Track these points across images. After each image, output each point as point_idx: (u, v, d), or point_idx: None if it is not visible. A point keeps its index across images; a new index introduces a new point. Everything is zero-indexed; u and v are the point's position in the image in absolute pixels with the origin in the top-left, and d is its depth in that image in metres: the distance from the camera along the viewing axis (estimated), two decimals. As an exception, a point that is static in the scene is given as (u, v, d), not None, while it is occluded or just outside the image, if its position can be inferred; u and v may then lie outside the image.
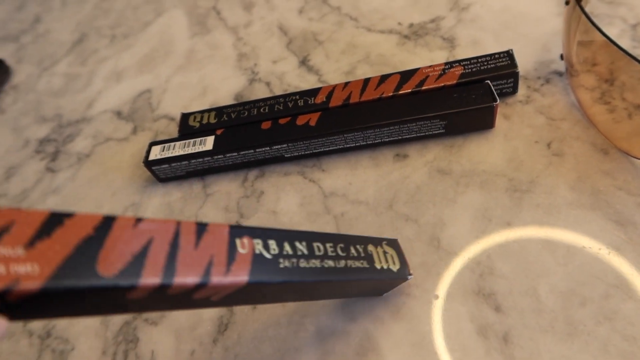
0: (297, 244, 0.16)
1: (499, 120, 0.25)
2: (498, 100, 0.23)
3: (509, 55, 0.25)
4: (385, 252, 0.19)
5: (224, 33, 0.36)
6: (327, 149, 0.26)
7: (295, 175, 0.26)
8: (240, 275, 0.14)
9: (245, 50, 0.34)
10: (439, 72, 0.25)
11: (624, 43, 0.27)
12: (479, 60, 0.25)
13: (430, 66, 0.26)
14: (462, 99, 0.24)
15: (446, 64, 0.26)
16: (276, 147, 0.26)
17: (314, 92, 0.27)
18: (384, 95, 0.25)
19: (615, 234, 0.20)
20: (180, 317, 0.23)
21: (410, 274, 0.19)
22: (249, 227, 0.15)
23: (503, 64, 0.25)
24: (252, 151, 0.26)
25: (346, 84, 0.27)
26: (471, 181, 0.23)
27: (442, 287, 0.20)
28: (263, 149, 0.26)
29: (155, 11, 0.41)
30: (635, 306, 0.18)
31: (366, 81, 0.26)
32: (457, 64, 0.26)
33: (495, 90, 0.25)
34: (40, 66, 0.40)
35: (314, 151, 0.26)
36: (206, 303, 0.14)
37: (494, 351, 0.18)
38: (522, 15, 0.30)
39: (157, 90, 0.34)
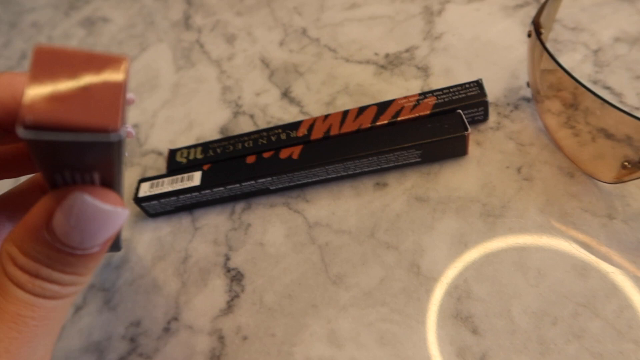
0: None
1: (472, 147, 0.26)
2: (469, 129, 0.25)
3: (478, 84, 0.27)
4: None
5: (208, 66, 0.38)
6: (310, 180, 0.27)
7: (281, 206, 0.27)
8: None
9: (229, 83, 0.35)
10: (414, 102, 0.27)
11: (587, 68, 0.28)
12: (451, 90, 0.27)
13: (405, 97, 0.27)
14: (435, 129, 0.25)
15: (420, 94, 0.27)
16: (261, 180, 0.27)
17: (295, 125, 0.28)
18: (362, 127, 0.27)
19: (583, 254, 0.21)
20: (173, 351, 0.23)
21: None
22: None
23: (473, 93, 0.26)
24: (238, 185, 0.27)
25: (326, 116, 0.28)
26: (447, 207, 0.25)
27: (423, 312, 0.22)
28: (249, 183, 0.27)
29: (140, 45, 0.42)
30: (602, 324, 0.20)
31: (345, 113, 0.28)
32: (430, 95, 0.27)
33: (467, 117, 0.27)
34: (28, 103, 0.41)
35: (298, 182, 0.27)
36: None
37: (472, 372, 0.20)
38: (492, 43, 0.31)
39: (144, 125, 0.35)
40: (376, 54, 0.34)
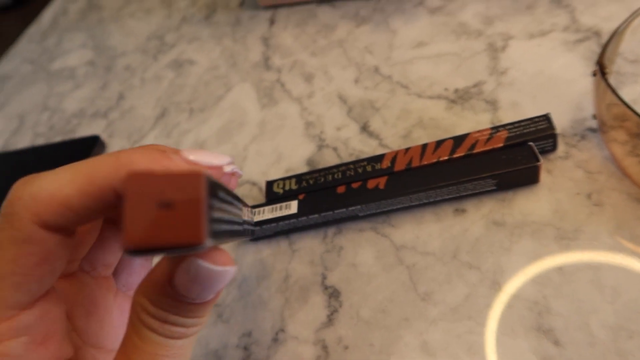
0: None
1: (543, 176, 0.29)
2: (541, 160, 0.27)
3: (547, 118, 0.29)
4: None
5: (290, 104, 0.42)
6: (395, 207, 0.30)
7: (369, 231, 0.31)
8: None
9: (311, 119, 0.40)
10: (487, 136, 0.30)
11: (650, 99, 0.31)
12: (521, 124, 0.30)
13: (478, 131, 0.30)
14: (509, 160, 0.28)
15: (492, 128, 0.30)
16: (351, 208, 0.30)
17: (379, 158, 0.32)
18: (440, 159, 0.30)
19: (654, 274, 0.24)
20: (283, 359, 0.27)
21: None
22: None
23: (542, 126, 0.29)
24: (330, 212, 0.31)
25: (407, 149, 0.31)
26: (523, 231, 0.27)
27: (507, 326, 0.24)
28: (340, 210, 0.30)
29: (225, 86, 0.47)
30: (676, 337, 0.22)
31: (424, 146, 0.31)
32: (502, 128, 0.30)
33: (538, 148, 0.29)
34: (130, 139, 0.47)
35: (384, 210, 0.30)
36: None
37: (556, 379, 0.22)
38: (555, 77, 0.34)
39: (237, 159, 0.40)
40: (446, 89, 0.37)
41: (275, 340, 0.28)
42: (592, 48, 0.35)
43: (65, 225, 0.16)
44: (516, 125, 0.30)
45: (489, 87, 0.36)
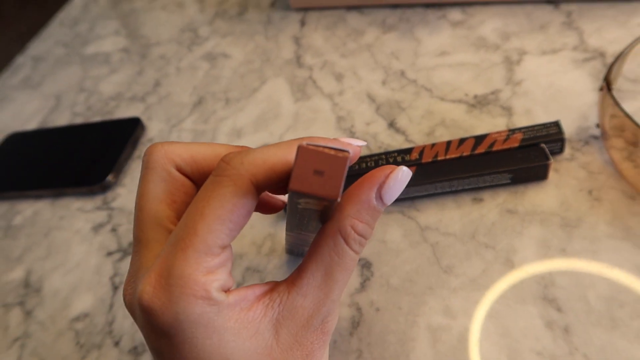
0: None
1: (551, 174, 0.34)
2: (551, 159, 0.32)
3: (557, 125, 0.34)
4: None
5: (322, 99, 0.46)
6: (421, 194, 0.35)
7: (396, 213, 0.35)
8: None
9: (342, 114, 0.44)
10: (505, 136, 0.34)
11: (645, 114, 0.35)
12: (535, 128, 0.34)
13: (497, 132, 0.35)
14: (524, 158, 0.33)
15: (509, 130, 0.35)
16: None
17: (408, 150, 0.36)
18: (463, 154, 0.34)
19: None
20: (322, 316, 0.31)
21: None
22: None
23: (553, 131, 0.34)
24: None
25: (433, 145, 0.36)
26: (533, 219, 0.32)
27: (517, 294, 0.29)
28: None
29: (259, 79, 0.51)
30: (658, 308, 0.26)
31: (448, 143, 0.35)
32: (518, 131, 0.34)
33: (547, 149, 0.34)
34: (169, 123, 0.51)
35: (411, 196, 0.35)
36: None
37: (558, 339, 0.27)
38: (565, 89, 0.39)
39: (273, 145, 0.44)
40: (466, 94, 0.41)
41: (313, 302, 0.32)
42: (598, 67, 0.40)
43: (266, 188, 0.20)
44: (530, 128, 0.34)
45: (505, 95, 0.40)
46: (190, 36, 0.62)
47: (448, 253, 0.32)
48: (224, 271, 0.20)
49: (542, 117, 0.38)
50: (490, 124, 0.39)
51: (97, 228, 0.43)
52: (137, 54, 0.63)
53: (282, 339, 0.21)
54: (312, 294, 0.21)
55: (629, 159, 0.33)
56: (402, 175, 0.21)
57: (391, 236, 0.34)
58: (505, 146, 0.34)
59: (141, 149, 0.49)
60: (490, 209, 0.33)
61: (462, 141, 0.35)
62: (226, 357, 0.19)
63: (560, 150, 0.34)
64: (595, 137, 0.35)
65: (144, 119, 0.53)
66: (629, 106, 0.36)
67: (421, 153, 0.36)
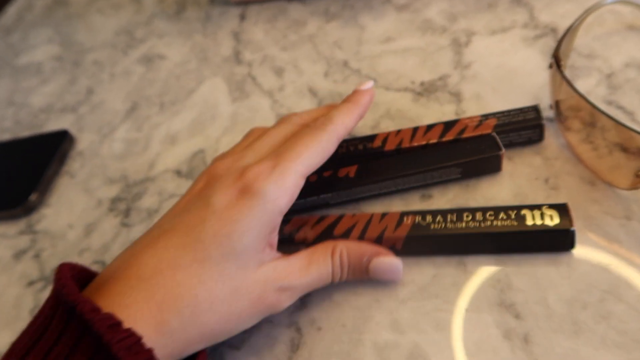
0: (449, 215, 0.27)
1: (505, 162, 0.31)
2: (503, 150, 0.29)
3: (535, 109, 0.30)
4: (542, 213, 0.26)
5: (261, 97, 0.43)
6: (365, 195, 0.31)
7: (340, 217, 0.32)
8: (401, 233, 0.27)
9: (281, 111, 0.40)
10: (477, 122, 0.31)
11: (601, 90, 0.33)
12: (511, 113, 0.31)
13: (469, 117, 0.31)
14: (473, 150, 0.29)
15: (482, 116, 0.31)
16: (322, 196, 0.31)
17: (371, 138, 0.32)
18: (430, 142, 0.31)
19: (605, 251, 0.25)
20: (258, 342, 0.28)
21: (572, 227, 0.25)
22: (416, 210, 0.28)
23: (530, 116, 0.30)
24: (302, 200, 0.31)
25: (398, 131, 0.32)
26: (486, 214, 0.29)
27: (471, 302, 0.26)
28: (311, 198, 0.31)
29: (196, 79, 0.47)
30: (626, 307, 0.23)
31: (415, 129, 0.32)
32: (492, 116, 0.31)
33: (524, 137, 0.30)
34: (100, 133, 0.47)
35: (354, 197, 0.31)
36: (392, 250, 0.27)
37: (517, 349, 0.23)
38: (515, 71, 0.36)
39: (209, 150, 0.40)
40: (412, 82, 0.38)
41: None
42: (550, 44, 0.37)
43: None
44: (505, 114, 0.31)
45: (454, 80, 0.37)
46: (126, 39, 0.57)
47: (395, 259, 0.29)
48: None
49: (492, 101, 0.35)
50: (438, 112, 0.35)
51: (18, 255, 0.39)
52: (69, 62, 0.58)
53: (258, 273, 0.25)
54: (292, 267, 0.25)
55: (586, 141, 0.30)
56: (392, 263, 0.27)
57: (334, 244, 0.31)
58: (477, 132, 0.30)
59: (70, 164, 0.45)
60: (440, 206, 0.30)
61: (430, 127, 0.32)
62: (241, 236, 0.24)
63: (540, 138, 0.31)
64: (549, 120, 0.32)
65: (74, 130, 0.48)
66: (584, 83, 0.33)
67: (385, 140, 0.32)
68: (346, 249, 0.27)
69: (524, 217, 0.26)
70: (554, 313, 0.24)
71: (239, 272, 0.24)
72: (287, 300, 0.25)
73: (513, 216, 0.26)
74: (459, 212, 0.27)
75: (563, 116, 0.31)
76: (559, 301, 0.24)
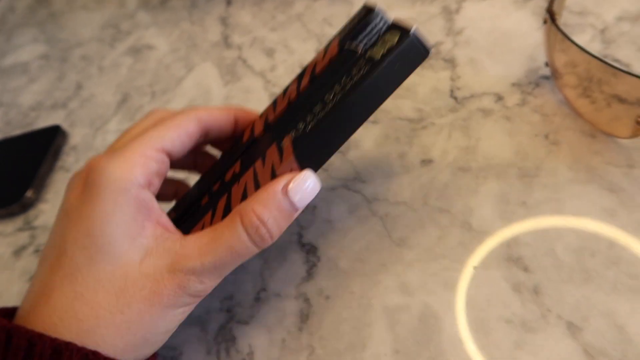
0: (315, 107, 0.23)
1: (502, 122, 0.30)
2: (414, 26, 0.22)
3: (367, 10, 0.25)
4: (384, 41, 0.22)
5: (253, 78, 0.42)
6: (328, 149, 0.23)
7: (340, 188, 0.31)
8: (289, 157, 0.22)
9: (275, 90, 0.40)
10: (322, 54, 0.26)
11: (595, 45, 0.32)
12: (346, 25, 0.26)
13: (315, 57, 0.27)
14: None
15: (325, 47, 0.27)
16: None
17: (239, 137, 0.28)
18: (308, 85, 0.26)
19: (609, 199, 0.25)
20: (267, 316, 0.28)
21: (411, 30, 0.21)
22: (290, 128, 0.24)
23: (363, 14, 0.25)
24: None
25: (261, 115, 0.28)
26: (488, 174, 0.29)
27: (479, 259, 0.25)
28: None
29: (186, 67, 0.47)
30: (634, 251, 0.23)
31: (273, 102, 0.28)
32: (333, 40, 0.26)
33: (368, 40, 0.24)
34: (92, 127, 0.46)
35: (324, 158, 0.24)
36: None
37: (527, 302, 0.23)
38: (508, 32, 0.35)
39: (204, 134, 0.39)
40: (405, 52, 0.38)
41: (257, 299, 0.28)
42: (541, 4, 0.37)
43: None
44: (342, 29, 0.27)
45: (447, 47, 0.37)
46: (112, 32, 0.57)
47: (400, 224, 0.28)
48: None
49: (487, 64, 0.34)
50: (433, 78, 0.35)
51: (18, 252, 0.38)
52: (56, 59, 0.57)
53: (145, 264, 0.21)
54: (190, 247, 0.21)
55: (584, 94, 0.30)
56: (310, 181, 0.22)
57: (336, 214, 0.30)
58: (327, 60, 0.25)
59: (64, 159, 0.44)
60: (441, 169, 0.30)
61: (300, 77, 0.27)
62: (102, 229, 0.21)
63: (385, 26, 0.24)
64: (546, 78, 0.32)
65: (66, 125, 0.48)
66: (578, 40, 0.33)
67: (252, 131, 0.27)
68: (254, 204, 0.22)
69: (372, 57, 0.22)
70: (562, 263, 0.24)
71: (117, 270, 0.20)
72: (195, 286, 0.21)
73: (363, 63, 0.22)
74: (321, 98, 0.23)
75: (559, 72, 0.30)
76: (567, 251, 0.24)
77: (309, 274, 0.28)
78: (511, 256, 0.25)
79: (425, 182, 0.30)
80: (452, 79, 0.35)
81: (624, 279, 0.23)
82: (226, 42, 0.47)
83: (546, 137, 0.29)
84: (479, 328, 0.23)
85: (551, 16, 0.29)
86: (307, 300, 0.27)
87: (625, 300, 0.22)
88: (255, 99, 0.40)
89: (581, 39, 0.33)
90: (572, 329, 0.22)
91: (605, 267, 0.23)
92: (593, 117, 0.29)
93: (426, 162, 0.31)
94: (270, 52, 0.44)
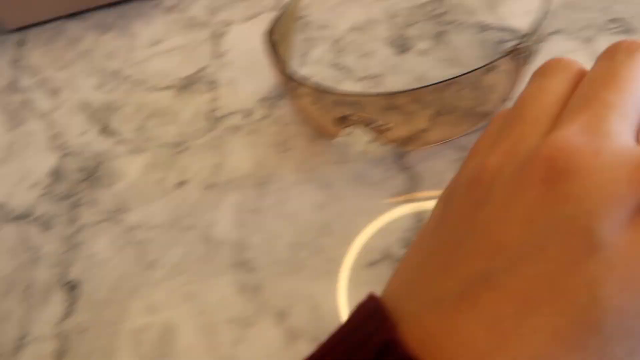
0: None
1: (248, 136, 0.33)
2: None
3: None
4: None
5: (36, 121, 0.42)
6: None
7: (105, 222, 0.32)
8: None
9: (55, 132, 0.40)
10: None
11: (330, 55, 0.36)
12: None
13: None
14: None
15: None
16: None
17: None
18: None
19: (315, 193, 0.29)
20: None
21: None
22: None
23: None
24: None
25: None
26: (230, 187, 0.31)
27: (213, 269, 0.28)
28: None
29: (-26, 116, 0.45)
30: (335, 238, 0.27)
31: None
32: None
33: None
34: None
35: None
36: None
37: (248, 301, 0.26)
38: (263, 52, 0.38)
39: (-15, 185, 0.39)
40: (175, 79, 0.40)
41: (19, 347, 0.29)
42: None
43: None
44: None
45: (211, 70, 0.39)
46: None
47: (153, 247, 0.30)
48: None
49: (243, 82, 0.37)
50: (196, 102, 0.37)
51: None
52: None
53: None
54: None
55: (310, 103, 0.33)
56: None
57: (99, 247, 0.31)
58: None
59: None
60: (192, 189, 0.32)
61: None
62: None
63: None
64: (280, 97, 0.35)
65: None
66: (317, 51, 0.37)
67: None
68: None
69: None
70: (280, 259, 0.27)
71: None
72: None
73: None
74: None
75: (288, 87, 0.34)
76: (285, 248, 0.27)
77: (69, 311, 0.29)
78: (239, 260, 0.27)
79: (178, 203, 0.31)
80: (213, 100, 0.37)
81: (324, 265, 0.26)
82: (15, 86, 0.46)
83: (281, 145, 0.32)
84: (208, 332, 0.25)
85: (272, 44, 0.32)
86: (65, 337, 0.28)
87: (322, 284, 0.25)
88: (36, 141, 0.40)
89: (320, 49, 0.37)
90: (281, 316, 0.25)
91: (311, 256, 0.26)
92: (317, 122, 0.32)
93: (181, 184, 0.32)
94: (55, 92, 0.44)
